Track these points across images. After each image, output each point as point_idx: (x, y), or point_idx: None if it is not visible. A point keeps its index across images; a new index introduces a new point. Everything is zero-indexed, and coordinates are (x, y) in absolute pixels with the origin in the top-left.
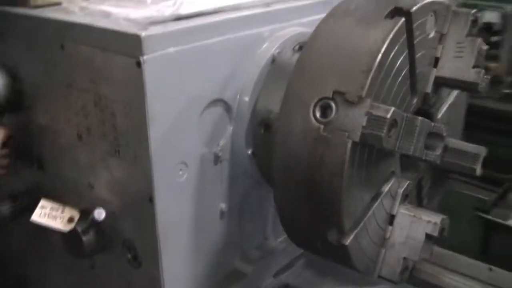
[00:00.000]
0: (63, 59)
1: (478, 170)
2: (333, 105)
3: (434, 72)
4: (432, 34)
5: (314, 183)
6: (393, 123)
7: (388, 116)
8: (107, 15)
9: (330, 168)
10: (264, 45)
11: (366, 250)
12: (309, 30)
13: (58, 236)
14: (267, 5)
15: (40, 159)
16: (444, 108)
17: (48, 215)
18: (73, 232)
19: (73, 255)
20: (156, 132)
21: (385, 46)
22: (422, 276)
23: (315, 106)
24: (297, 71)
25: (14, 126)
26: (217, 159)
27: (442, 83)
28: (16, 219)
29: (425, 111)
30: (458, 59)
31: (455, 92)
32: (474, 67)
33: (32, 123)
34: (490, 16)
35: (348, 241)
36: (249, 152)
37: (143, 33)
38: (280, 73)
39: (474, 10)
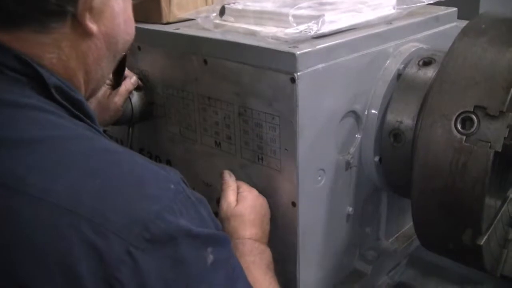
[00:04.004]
0: (205, 74)
1: None
2: (474, 118)
3: None
4: None
5: (455, 189)
6: None
7: None
8: (251, 33)
9: (473, 175)
10: (389, 61)
11: (493, 250)
12: (425, 45)
13: None
14: (389, 22)
15: (170, 164)
16: None
17: None
18: None
19: None
20: (303, 142)
21: None
22: None
23: (456, 119)
24: (436, 86)
25: (142, 134)
26: (348, 165)
27: None
28: None
29: None
30: None
31: None
32: None
33: (161, 131)
34: None
35: (482, 241)
36: (376, 159)
37: (297, 51)
38: (408, 88)
39: None
